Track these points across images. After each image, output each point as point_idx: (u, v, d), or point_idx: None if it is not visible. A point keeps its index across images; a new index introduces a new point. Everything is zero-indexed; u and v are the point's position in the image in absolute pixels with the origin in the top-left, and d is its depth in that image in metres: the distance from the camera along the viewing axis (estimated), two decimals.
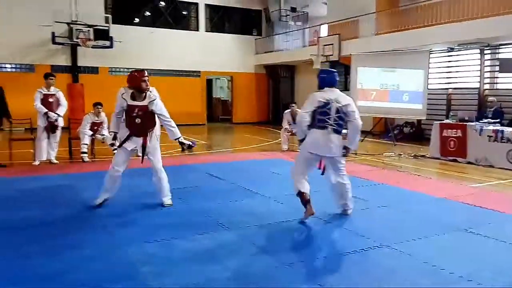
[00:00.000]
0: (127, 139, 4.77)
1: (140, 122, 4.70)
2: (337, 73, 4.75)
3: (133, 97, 4.69)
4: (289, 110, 10.14)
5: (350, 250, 3.70)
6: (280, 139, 10.52)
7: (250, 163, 8.32)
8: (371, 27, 13.82)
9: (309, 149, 4.52)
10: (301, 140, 4.62)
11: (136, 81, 4.63)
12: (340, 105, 4.43)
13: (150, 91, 4.74)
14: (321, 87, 4.56)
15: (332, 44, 14.81)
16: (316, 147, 4.46)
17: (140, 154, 4.85)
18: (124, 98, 4.67)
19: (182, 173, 6.76)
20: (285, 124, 10.06)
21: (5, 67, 14.95)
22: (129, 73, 4.75)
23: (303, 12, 19.16)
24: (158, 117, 4.85)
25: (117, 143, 4.88)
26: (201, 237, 3.95)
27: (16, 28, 14.30)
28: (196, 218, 4.55)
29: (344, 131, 4.56)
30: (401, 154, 9.71)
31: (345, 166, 4.71)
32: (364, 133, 12.99)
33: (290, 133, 9.99)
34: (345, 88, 16.31)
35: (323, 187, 6.00)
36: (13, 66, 15.07)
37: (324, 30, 17.20)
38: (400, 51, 12.19)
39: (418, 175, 7.41)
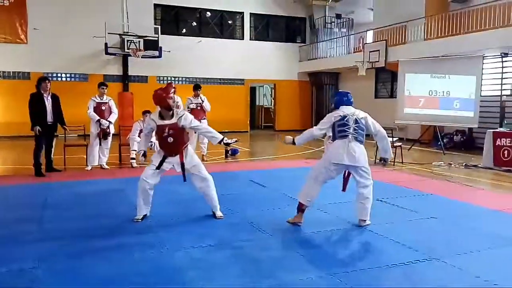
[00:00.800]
0: (163, 160, 4.62)
1: (172, 141, 4.53)
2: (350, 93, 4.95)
3: (161, 117, 4.54)
4: None
5: (397, 262, 3.60)
6: (323, 147, 10.40)
7: (293, 171, 8.29)
8: (420, 32, 13.44)
9: (332, 160, 4.53)
10: (293, 143, 4.94)
11: (164, 100, 4.46)
12: (358, 117, 4.59)
13: (178, 107, 4.72)
14: (337, 107, 4.68)
15: (378, 50, 14.53)
16: (339, 157, 4.47)
17: (179, 171, 4.72)
18: (152, 119, 4.57)
19: (225, 180, 6.83)
20: (328, 132, 9.94)
21: (61, 77, 15.81)
22: (154, 93, 4.55)
23: (349, 18, 18.96)
24: (194, 130, 4.74)
25: (143, 159, 4.87)
26: (245, 244, 3.99)
27: (72, 40, 15.11)
28: (241, 225, 4.60)
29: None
30: (451, 164, 9.34)
31: (370, 179, 4.66)
32: (412, 141, 12.64)
33: (333, 141, 9.86)
34: (391, 95, 15.99)
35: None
36: (69, 75, 15.91)
37: (370, 36, 16.93)
38: (451, 57, 11.77)
39: (470, 186, 7.10)
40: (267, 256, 3.70)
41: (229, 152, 10.29)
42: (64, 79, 15.85)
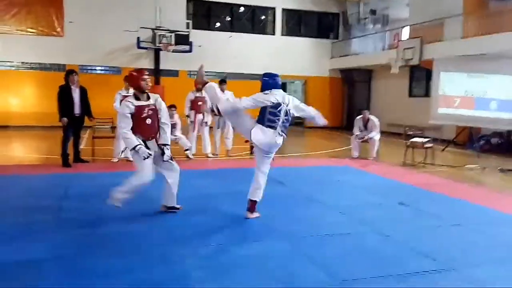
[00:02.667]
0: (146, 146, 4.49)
1: (151, 122, 4.52)
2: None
3: (137, 98, 4.52)
4: (360, 116, 9.77)
5: (412, 271, 3.43)
6: (351, 146, 10.18)
7: (317, 170, 8.14)
8: (458, 29, 12.87)
9: (264, 149, 4.61)
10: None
11: (137, 81, 4.52)
12: (288, 109, 4.63)
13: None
14: (268, 89, 4.64)
15: (413, 47, 14.04)
16: (270, 147, 4.59)
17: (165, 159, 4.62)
18: (129, 101, 4.47)
19: (246, 177, 6.73)
20: (356, 131, 9.70)
21: (95, 69, 16.22)
22: (129, 73, 4.70)
23: (383, 14, 18.43)
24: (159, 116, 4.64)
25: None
26: (255, 244, 3.91)
27: (106, 34, 15.46)
28: (252, 224, 4.52)
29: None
30: (485, 167, 8.89)
31: None
32: (446, 142, 12.15)
33: (361, 140, 9.62)
34: (426, 94, 15.43)
35: (388, 199, 5.70)
36: (102, 68, 16.30)
37: (405, 33, 16.40)
38: (489, 56, 11.20)
39: (502, 192, 6.72)
40: (277, 258, 3.61)
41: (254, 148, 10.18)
42: (97, 71, 16.24)
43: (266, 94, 4.56)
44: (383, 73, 17.18)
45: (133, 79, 4.59)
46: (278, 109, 4.50)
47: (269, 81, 4.67)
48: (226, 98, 4.86)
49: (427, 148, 9.00)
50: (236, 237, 4.08)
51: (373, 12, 18.31)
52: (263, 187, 4.69)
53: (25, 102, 15.48)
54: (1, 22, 14.87)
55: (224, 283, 3.12)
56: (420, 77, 15.97)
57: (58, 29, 15.43)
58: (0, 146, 10.96)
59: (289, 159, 9.86)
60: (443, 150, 11.31)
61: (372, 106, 18.06)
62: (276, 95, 4.56)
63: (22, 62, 15.40)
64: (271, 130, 4.50)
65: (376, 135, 9.48)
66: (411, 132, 9.69)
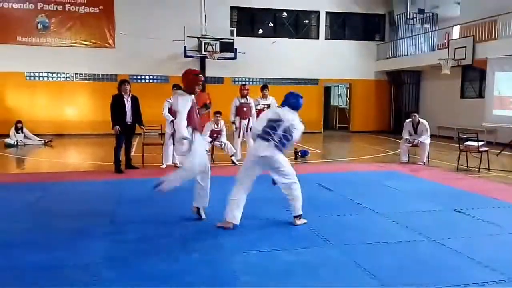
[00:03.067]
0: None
1: (197, 115, 4.81)
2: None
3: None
4: (410, 119, 9.46)
5: (471, 282, 3.26)
6: (399, 150, 9.88)
7: (364, 175, 7.96)
8: None
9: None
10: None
11: (192, 84, 4.67)
12: (289, 128, 4.67)
13: None
14: (283, 104, 4.81)
15: (464, 47, 13.46)
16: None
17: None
18: (192, 99, 4.68)
19: None
20: (405, 135, 9.40)
21: (144, 78, 16.78)
22: (190, 76, 4.72)
23: (432, 13, 17.82)
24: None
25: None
26: (304, 251, 3.87)
27: (154, 44, 15.96)
28: (301, 231, 4.48)
29: None
30: None
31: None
32: (502, 146, 11.52)
33: (410, 144, 9.31)
34: (479, 95, 14.75)
35: (442, 206, 5.47)
36: (150, 77, 16.85)
37: (455, 32, 15.76)
38: None
39: None
40: (328, 266, 3.55)
41: (299, 154, 10.17)
42: (146, 81, 16.80)
43: (277, 108, 4.72)
44: (433, 74, 16.58)
45: (190, 82, 4.68)
46: (277, 123, 4.55)
47: (290, 99, 4.82)
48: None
49: (482, 152, 8.57)
50: (284, 243, 4.05)
51: (421, 11, 17.74)
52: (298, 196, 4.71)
53: (79, 111, 16.28)
54: (57, 35, 15.77)
55: None
56: (473, 78, 15.28)
57: (110, 41, 16.15)
58: (57, 153, 11.58)
59: (335, 164, 9.72)
60: (498, 154, 10.73)
61: (421, 108, 17.47)
62: (283, 111, 4.67)
63: (76, 73, 16.21)
64: (262, 142, 4.52)
65: (426, 139, 9.15)
66: (464, 135, 9.27)
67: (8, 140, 12.40)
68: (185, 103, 4.54)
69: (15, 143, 12.39)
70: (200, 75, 4.82)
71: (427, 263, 3.67)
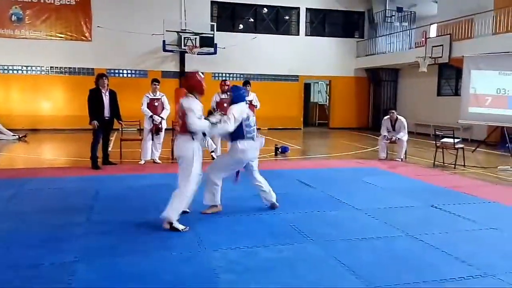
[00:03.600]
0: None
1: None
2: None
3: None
4: (388, 116, 9.58)
5: (448, 277, 3.32)
6: (378, 147, 10.01)
7: (344, 171, 8.02)
8: (489, 26, 12.50)
9: (250, 158, 4.86)
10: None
11: (201, 85, 4.51)
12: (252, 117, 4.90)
13: None
14: (237, 101, 4.81)
15: (441, 45, 13.70)
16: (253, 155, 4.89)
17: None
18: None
19: (271, 179, 6.64)
20: (383, 131, 9.52)
21: (123, 73, 16.48)
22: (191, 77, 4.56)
23: (411, 12, 18.08)
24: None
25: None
26: (284, 248, 3.87)
27: (133, 37, 15.67)
28: (281, 227, 4.48)
29: None
30: None
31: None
32: (477, 143, 11.81)
33: (388, 141, 9.44)
34: (455, 93, 15.07)
35: (419, 202, 5.55)
36: (129, 71, 16.56)
37: (433, 30, 16.03)
38: None
39: None
40: (307, 262, 3.56)
41: (279, 150, 10.18)
42: (125, 75, 16.50)
43: (241, 106, 4.79)
44: (411, 72, 16.84)
45: (199, 84, 4.49)
46: (250, 120, 4.79)
47: (241, 94, 4.91)
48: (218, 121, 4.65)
49: (457, 148, 8.75)
50: (265, 240, 4.04)
51: (399, 9, 17.98)
52: None
53: (55, 106, 15.88)
54: (31, 27, 15.31)
55: (253, 286, 3.09)
56: (449, 76, 15.59)
57: (87, 34, 15.77)
58: (31, 149, 11.28)
59: (314, 161, 9.77)
60: (473, 151, 10.99)
61: (399, 106, 17.73)
62: (245, 107, 4.87)
63: (52, 67, 15.79)
64: (252, 141, 4.79)
65: (404, 136, 9.29)
66: (440, 133, 9.45)
67: None
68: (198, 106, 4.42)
69: None
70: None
71: (405, 258, 3.72)
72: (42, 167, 8.18)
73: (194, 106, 4.35)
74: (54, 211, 4.94)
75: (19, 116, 15.02)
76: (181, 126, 4.48)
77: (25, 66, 15.54)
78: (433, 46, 14.02)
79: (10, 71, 15.47)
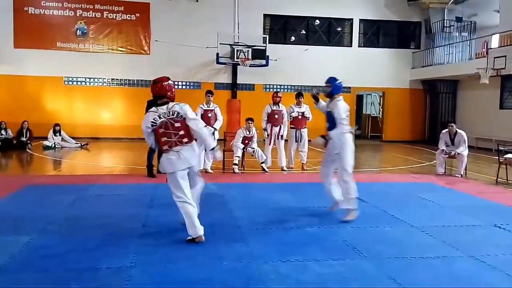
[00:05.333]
0: None
1: None
2: None
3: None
4: (446, 129, 9.16)
5: None
6: (435, 161, 9.59)
7: (398, 186, 7.75)
8: None
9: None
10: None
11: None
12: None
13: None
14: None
15: (504, 56, 12.98)
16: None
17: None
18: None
19: (322, 192, 6.62)
20: (441, 145, 9.11)
21: (178, 84, 16.98)
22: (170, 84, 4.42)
23: (470, 22, 17.32)
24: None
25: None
26: (335, 263, 3.78)
27: (188, 51, 16.19)
28: (332, 242, 4.39)
29: None
30: None
31: None
32: None
33: (447, 156, 9.01)
34: None
35: (481, 220, 5.23)
36: (184, 83, 17.09)
37: (495, 41, 15.23)
38: None
39: None
40: (360, 280, 3.45)
41: None
42: (180, 87, 17.01)
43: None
44: (470, 84, 16.08)
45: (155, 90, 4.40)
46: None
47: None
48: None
49: None
50: (316, 254, 3.97)
51: (458, 19, 17.26)
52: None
53: (114, 116, 16.70)
54: (95, 42, 16.28)
55: None
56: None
57: (145, 48, 16.53)
58: (92, 156, 11.89)
59: (367, 174, 9.52)
60: None
61: (458, 118, 16.93)
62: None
63: (113, 79, 16.65)
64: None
65: (464, 150, 8.83)
66: (504, 147, 8.89)
67: (46, 143, 12.84)
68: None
69: (53, 145, 12.80)
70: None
71: (464, 280, 3.51)
72: (102, 174, 8.58)
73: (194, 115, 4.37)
74: (112, 217, 5.16)
75: (81, 125, 15.93)
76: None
77: (88, 78, 16.51)
78: (495, 57, 13.32)
79: (74, 83, 16.48)
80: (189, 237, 4.24)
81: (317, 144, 5.41)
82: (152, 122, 4.25)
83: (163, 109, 4.28)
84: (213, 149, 4.58)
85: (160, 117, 4.24)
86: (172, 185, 4.32)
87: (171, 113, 4.27)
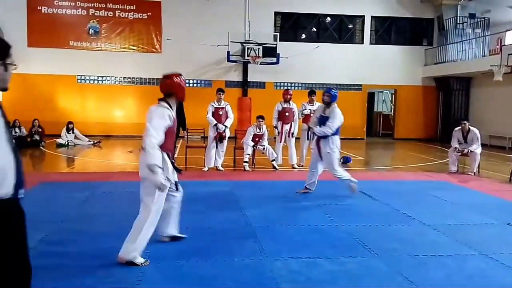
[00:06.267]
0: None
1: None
2: None
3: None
4: (459, 127, 9.07)
5: None
6: (447, 159, 9.50)
7: (410, 184, 7.69)
8: None
9: None
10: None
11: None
12: None
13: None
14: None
15: None
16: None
17: None
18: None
19: (333, 190, 6.63)
20: (454, 143, 9.02)
21: (189, 83, 17.08)
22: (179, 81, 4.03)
23: (484, 18, 17.06)
24: None
25: None
26: (346, 261, 3.77)
27: (199, 49, 16.24)
28: (343, 239, 4.38)
29: None
30: None
31: None
32: None
33: (460, 153, 8.92)
34: None
35: (495, 219, 5.18)
36: (195, 81, 17.16)
37: (509, 37, 15.00)
38: None
39: None
40: (371, 277, 3.45)
41: (341, 160, 9.98)
42: (191, 85, 17.08)
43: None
44: (484, 81, 15.86)
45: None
46: None
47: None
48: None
49: None
50: (326, 252, 3.97)
51: (472, 16, 17.02)
52: None
53: (127, 114, 16.82)
54: (107, 40, 16.40)
55: None
56: None
57: (157, 46, 16.60)
58: (105, 154, 12.02)
59: (378, 172, 9.47)
60: None
61: (471, 116, 16.72)
62: None
63: (125, 77, 16.77)
64: None
65: (477, 148, 8.73)
66: None
67: (59, 140, 13.00)
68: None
69: (66, 143, 12.96)
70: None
71: (478, 278, 3.49)
72: (114, 172, 8.68)
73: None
74: (124, 213, 5.17)
75: (94, 123, 16.07)
76: None
77: (100, 76, 16.65)
78: (509, 54, 13.10)
79: (87, 81, 16.64)
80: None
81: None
82: (168, 118, 3.80)
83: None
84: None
85: (172, 117, 3.85)
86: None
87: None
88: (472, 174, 8.72)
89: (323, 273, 3.49)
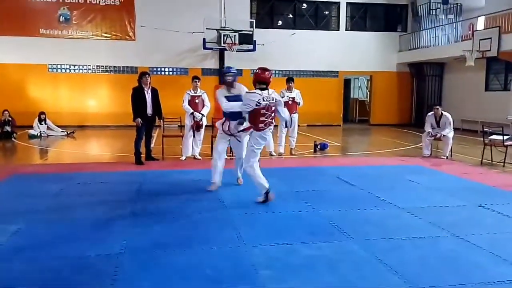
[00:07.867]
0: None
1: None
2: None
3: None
4: (432, 112, 9.26)
5: (495, 279, 3.19)
6: (421, 144, 9.71)
7: (385, 169, 7.84)
8: None
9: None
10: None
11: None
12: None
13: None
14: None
15: (490, 38, 13.09)
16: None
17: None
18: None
19: (310, 175, 6.70)
20: (427, 128, 9.21)
21: (164, 71, 16.86)
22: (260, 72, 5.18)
23: (457, 4, 17.35)
24: None
25: None
26: (324, 245, 3.83)
27: (174, 36, 16.00)
28: (320, 224, 4.44)
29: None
30: None
31: None
32: None
33: (433, 138, 9.13)
34: (505, 88, 14.40)
35: (466, 201, 5.34)
36: (171, 69, 16.92)
37: (480, 23, 15.33)
38: None
39: None
40: (348, 261, 3.51)
41: (318, 146, 10.09)
42: (166, 73, 16.87)
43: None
44: (457, 66, 16.21)
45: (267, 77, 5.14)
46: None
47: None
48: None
49: (507, 146, 8.33)
50: (304, 237, 4.02)
51: (445, 1, 17.27)
52: None
53: (101, 103, 16.49)
54: (78, 28, 15.96)
55: (292, 284, 3.09)
56: (498, 70, 14.89)
57: (130, 33, 16.26)
58: (79, 144, 11.78)
59: (354, 158, 9.61)
60: None
61: (444, 101, 17.11)
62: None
63: (98, 66, 16.39)
64: None
65: (450, 132, 8.95)
66: (489, 129, 9.03)
67: (31, 131, 12.66)
68: None
69: (39, 134, 12.63)
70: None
71: (451, 259, 3.59)
72: (89, 162, 8.53)
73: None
74: (100, 204, 5.14)
75: (67, 113, 15.72)
76: None
77: (72, 65, 16.22)
78: (480, 40, 13.43)
79: (59, 70, 16.19)
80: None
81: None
82: (257, 102, 4.96)
83: (265, 93, 5.02)
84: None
85: (264, 100, 4.98)
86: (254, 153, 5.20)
87: (270, 98, 5.07)
88: (445, 157, 8.95)
89: (301, 259, 3.54)
